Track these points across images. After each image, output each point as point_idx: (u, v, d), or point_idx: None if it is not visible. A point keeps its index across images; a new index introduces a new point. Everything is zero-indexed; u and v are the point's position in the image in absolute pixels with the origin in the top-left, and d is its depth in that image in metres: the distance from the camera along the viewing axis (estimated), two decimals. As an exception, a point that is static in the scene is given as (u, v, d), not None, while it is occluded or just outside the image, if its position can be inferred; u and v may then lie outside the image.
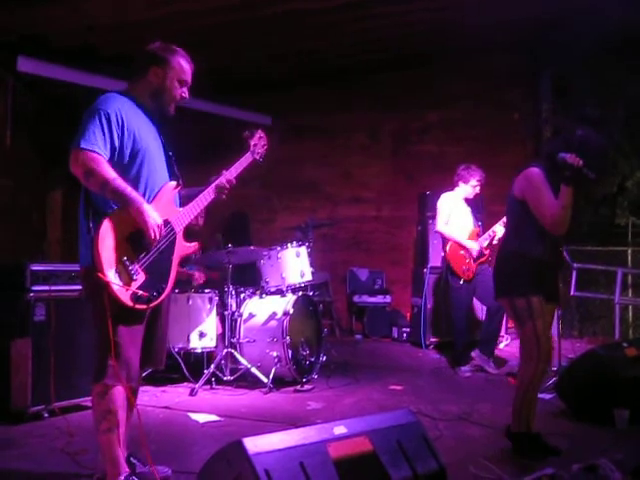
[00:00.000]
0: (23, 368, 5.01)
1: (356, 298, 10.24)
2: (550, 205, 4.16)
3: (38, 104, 9.57)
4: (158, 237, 3.36)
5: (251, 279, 7.60)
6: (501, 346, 8.93)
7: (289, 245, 7.03)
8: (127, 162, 3.44)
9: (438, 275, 8.46)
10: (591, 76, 9.49)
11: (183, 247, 3.67)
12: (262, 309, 6.72)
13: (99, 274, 3.19)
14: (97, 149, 3.27)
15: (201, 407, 5.60)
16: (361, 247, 11.07)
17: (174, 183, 3.64)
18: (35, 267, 5.22)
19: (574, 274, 8.56)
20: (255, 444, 2.55)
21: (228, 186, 3.83)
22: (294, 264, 6.98)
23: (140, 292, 3.31)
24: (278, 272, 6.93)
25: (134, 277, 3.30)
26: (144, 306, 3.36)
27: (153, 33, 7.92)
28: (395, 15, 8.33)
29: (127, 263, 3.28)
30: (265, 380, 6.29)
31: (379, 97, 10.63)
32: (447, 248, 7.43)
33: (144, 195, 3.45)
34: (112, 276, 3.22)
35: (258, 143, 4.12)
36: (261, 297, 6.95)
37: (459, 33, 8.93)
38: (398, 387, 6.49)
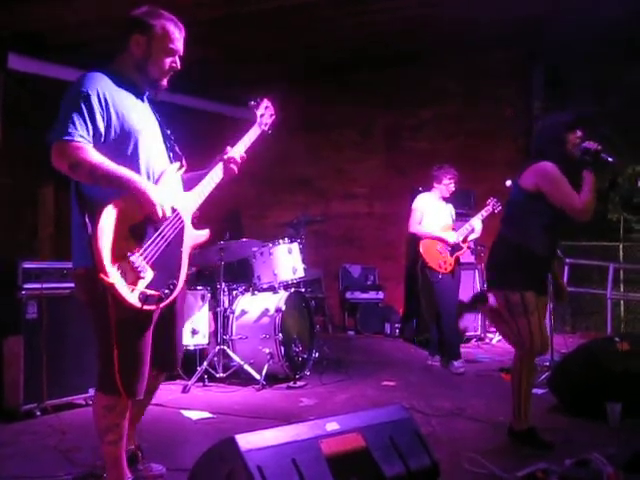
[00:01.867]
0: (15, 366, 5.00)
1: (348, 294, 10.25)
2: (574, 195, 4.20)
3: (30, 100, 9.53)
4: (166, 214, 3.00)
5: (243, 276, 7.59)
6: (494, 341, 8.96)
7: (281, 241, 7.02)
8: (119, 145, 3.06)
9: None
10: (583, 72, 9.51)
11: (193, 236, 3.28)
12: (254, 306, 6.71)
13: (101, 275, 2.79)
14: (78, 137, 2.90)
15: (194, 404, 5.60)
16: (353, 243, 11.07)
17: (177, 164, 3.30)
18: (27, 265, 5.20)
19: (566, 269, 8.58)
20: (248, 441, 2.55)
21: (239, 160, 3.49)
22: (286, 260, 6.97)
23: (149, 291, 2.94)
24: (270, 269, 6.93)
25: (141, 275, 2.91)
26: (153, 307, 3.00)
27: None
28: (388, 11, 8.33)
29: (132, 259, 2.88)
30: (258, 377, 6.28)
31: (372, 93, 10.64)
32: (420, 246, 7.41)
33: (147, 179, 3.10)
34: (116, 276, 2.83)
35: (265, 113, 3.76)
36: (253, 294, 6.94)
37: (452, 29, 8.94)
38: (391, 383, 6.49)
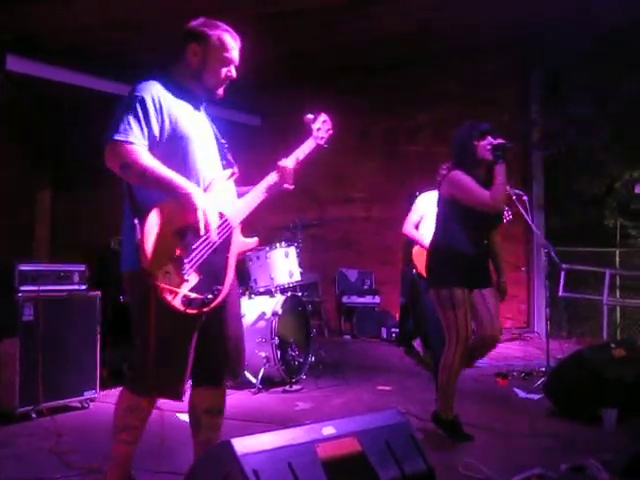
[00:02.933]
0: (11, 368, 5.00)
1: (345, 298, 10.25)
2: (482, 192, 4.62)
3: (28, 103, 9.54)
4: (212, 225, 2.99)
5: (239, 279, 7.58)
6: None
7: (278, 245, 7.02)
8: (171, 149, 3.10)
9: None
10: (582, 77, 9.53)
11: (241, 243, 3.30)
12: (251, 309, 6.70)
13: (146, 276, 2.87)
14: (132, 138, 2.94)
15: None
16: (351, 248, 11.07)
17: (229, 171, 3.31)
18: (23, 267, 5.21)
19: (562, 275, 8.59)
20: (244, 444, 2.54)
21: (291, 171, 3.50)
22: (283, 264, 6.97)
23: (193, 295, 2.96)
24: (267, 272, 6.93)
25: (186, 278, 2.94)
26: (195, 310, 3.00)
27: (144, 33, 8.02)
28: (386, 16, 8.34)
29: (178, 262, 2.92)
30: (254, 380, 6.28)
31: (369, 97, 10.64)
32: (413, 250, 7.40)
33: (197, 185, 3.10)
34: (161, 277, 2.87)
35: (321, 127, 3.76)
36: (250, 297, 6.93)
37: (450, 34, 8.96)
38: (386, 387, 6.49)
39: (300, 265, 7.16)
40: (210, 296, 3.04)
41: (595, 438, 4.65)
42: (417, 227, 7.41)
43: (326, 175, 11.05)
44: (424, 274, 7.21)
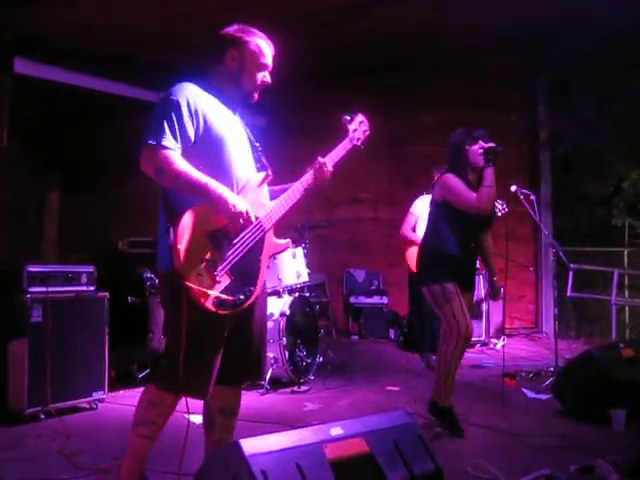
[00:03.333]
0: (20, 369, 5.01)
1: (353, 299, 10.24)
2: (469, 195, 4.80)
3: (36, 105, 9.56)
4: (246, 224, 3.06)
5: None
6: (498, 347, 8.95)
7: (285, 246, 7.01)
8: (206, 151, 3.15)
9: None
10: (587, 77, 9.52)
11: (273, 245, 3.34)
12: (259, 310, 6.69)
13: (179, 276, 2.91)
14: (166, 142, 3.00)
15: (198, 408, 5.59)
16: (358, 248, 11.07)
17: (262, 174, 3.35)
18: (32, 268, 5.22)
19: (571, 275, 8.58)
20: (252, 445, 2.55)
21: (326, 174, 3.52)
22: (290, 265, 6.98)
23: (224, 296, 2.99)
24: (274, 273, 6.92)
25: (218, 279, 2.99)
26: (227, 311, 3.03)
27: (151, 33, 8.03)
28: (391, 17, 8.34)
29: (210, 263, 2.97)
30: (262, 381, 6.28)
31: (376, 98, 10.61)
32: (407, 252, 7.54)
33: (231, 187, 3.14)
34: (193, 278, 2.92)
35: (358, 128, 3.77)
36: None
37: (455, 35, 8.95)
38: (394, 388, 6.49)
39: (308, 266, 7.17)
40: (242, 297, 3.08)
41: (604, 439, 4.64)
42: (414, 229, 7.56)
43: (334, 176, 11.04)
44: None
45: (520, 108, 10.50)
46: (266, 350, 3.53)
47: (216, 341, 3.16)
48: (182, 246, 2.91)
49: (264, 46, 3.37)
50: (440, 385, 4.91)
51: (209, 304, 2.95)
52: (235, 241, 3.07)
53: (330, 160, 3.57)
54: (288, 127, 10.91)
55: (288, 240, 3.43)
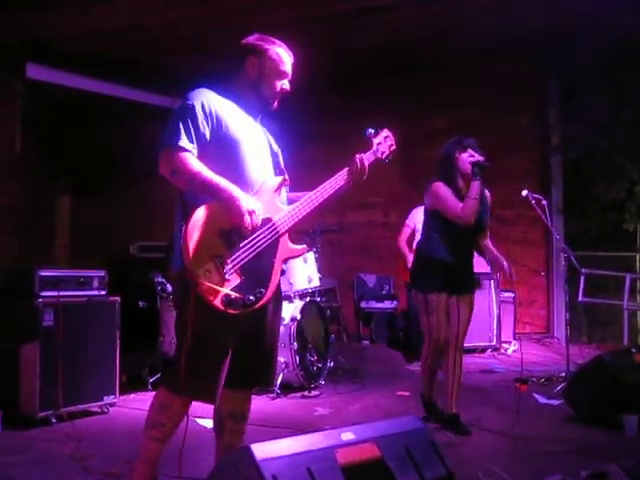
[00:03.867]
0: (31, 373, 5.02)
1: (363, 304, 10.22)
2: (455, 205, 4.93)
3: (47, 109, 9.60)
4: (254, 223, 3.05)
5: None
6: (509, 352, 8.92)
7: (296, 251, 7.02)
8: (222, 154, 3.19)
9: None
10: (599, 81, 9.49)
11: (288, 249, 3.30)
12: (269, 315, 6.69)
13: (187, 272, 2.92)
14: (182, 144, 3.06)
15: (208, 412, 5.58)
16: (369, 253, 11.05)
17: (279, 179, 3.36)
18: (43, 272, 5.24)
19: (582, 280, 8.55)
20: (263, 450, 2.55)
21: (364, 173, 3.61)
22: (301, 270, 6.98)
23: (233, 294, 2.96)
24: (285, 278, 6.92)
25: (227, 277, 2.97)
26: (236, 311, 2.98)
27: (161, 38, 8.06)
28: (402, 20, 8.34)
29: (219, 261, 2.97)
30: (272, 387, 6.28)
31: (387, 102, 10.62)
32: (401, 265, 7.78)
33: (247, 189, 3.17)
34: (202, 275, 2.91)
35: (383, 142, 3.82)
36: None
37: (467, 38, 8.94)
38: (405, 393, 6.47)
39: (319, 270, 7.17)
40: (252, 298, 3.03)
41: (616, 444, 4.62)
42: (409, 240, 7.72)
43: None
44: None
45: (531, 112, 10.48)
46: (277, 356, 3.52)
47: (224, 344, 3.14)
48: (191, 242, 2.91)
49: (283, 54, 3.41)
50: (423, 381, 5.33)
51: (217, 302, 2.93)
52: (247, 241, 3.07)
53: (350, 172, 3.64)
54: (302, 133, 10.90)
55: (304, 246, 3.41)
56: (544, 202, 6.60)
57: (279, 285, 3.39)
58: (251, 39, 3.43)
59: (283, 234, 3.26)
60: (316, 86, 10.51)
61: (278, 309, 3.51)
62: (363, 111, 10.66)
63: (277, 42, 3.43)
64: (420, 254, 5.24)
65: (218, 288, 2.93)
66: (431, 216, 5.17)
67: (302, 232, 8.10)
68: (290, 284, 6.88)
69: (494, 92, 10.30)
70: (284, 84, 3.43)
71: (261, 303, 3.10)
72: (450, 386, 5.06)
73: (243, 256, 3.05)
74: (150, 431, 3.27)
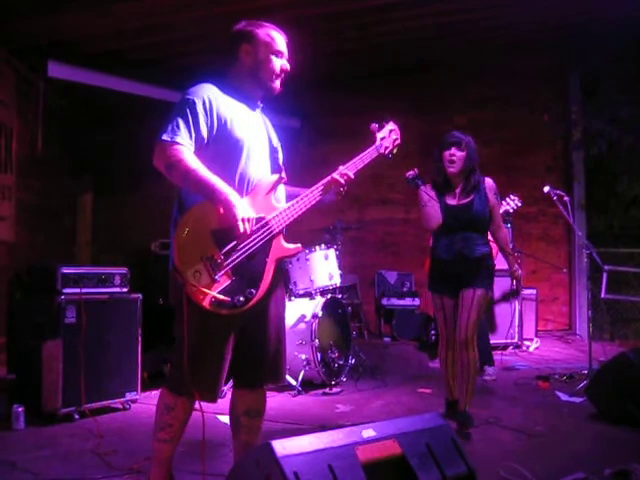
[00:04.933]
0: (54, 370, 5.06)
1: (384, 301, 10.19)
2: (421, 211, 5.24)
3: (69, 108, 9.66)
4: (248, 231, 2.98)
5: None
6: (531, 349, 8.87)
7: (317, 247, 7.02)
8: (220, 152, 3.14)
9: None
10: (620, 76, 9.42)
11: (282, 249, 3.22)
12: (291, 312, 6.69)
13: (177, 273, 2.92)
14: (179, 139, 3.00)
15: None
16: (390, 250, 11.03)
17: (276, 176, 3.27)
18: (66, 270, 5.27)
19: (605, 276, 8.48)
20: (284, 446, 2.55)
21: (343, 182, 3.40)
22: (323, 267, 6.98)
23: (221, 297, 2.94)
24: (307, 275, 6.94)
25: (216, 278, 2.94)
26: (226, 312, 2.98)
27: (182, 36, 8.07)
28: (424, 16, 8.30)
29: (209, 262, 2.94)
30: (294, 383, 6.29)
31: (407, 99, 10.59)
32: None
33: (242, 188, 3.15)
34: (190, 275, 2.89)
35: (387, 137, 3.70)
36: (290, 300, 6.93)
37: (488, 34, 8.90)
38: (427, 390, 6.46)
39: (340, 267, 7.17)
40: (242, 299, 3.02)
41: (639, 442, 4.58)
42: None
43: (365, 177, 11.02)
44: None
45: (553, 108, 10.42)
46: (285, 352, 3.46)
47: (221, 342, 3.13)
48: (181, 242, 2.93)
49: (275, 34, 3.34)
50: (446, 381, 5.29)
51: (206, 303, 2.92)
52: (238, 242, 3.03)
53: (352, 167, 3.50)
54: (321, 129, 10.91)
55: (298, 245, 3.30)
56: (566, 198, 6.55)
57: (280, 280, 3.38)
58: (239, 26, 3.38)
59: (277, 234, 3.20)
60: (339, 83, 10.53)
61: (282, 305, 3.48)
62: (382, 108, 10.63)
63: (265, 24, 3.38)
64: (430, 255, 5.39)
65: (206, 291, 2.92)
66: None
67: (323, 229, 8.11)
68: (311, 281, 6.89)
69: (515, 88, 10.26)
70: (283, 64, 3.36)
71: (252, 304, 3.07)
72: (460, 385, 5.07)
73: (235, 257, 3.02)
74: (159, 434, 3.27)
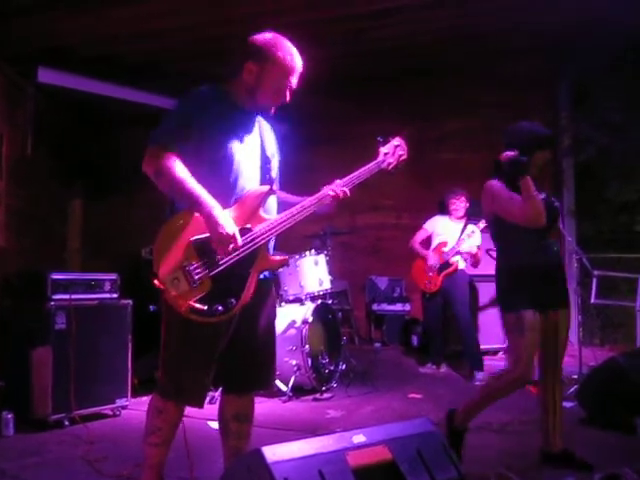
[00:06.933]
0: (44, 376, 5.05)
1: (375, 306, 10.21)
2: (515, 203, 4.22)
3: (60, 114, 9.63)
4: (228, 250, 2.93)
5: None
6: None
7: (307, 253, 7.03)
8: (210, 160, 3.08)
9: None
10: (611, 82, 9.46)
11: (267, 260, 3.15)
12: (281, 317, 6.66)
13: (157, 279, 2.90)
14: (170, 146, 2.97)
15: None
16: (380, 255, 11.03)
17: (265, 188, 3.18)
18: (56, 276, 5.27)
19: (594, 282, 8.51)
20: (274, 452, 2.54)
21: (340, 197, 3.35)
22: (313, 272, 6.98)
23: (198, 305, 2.90)
24: (297, 280, 6.93)
25: (193, 286, 2.91)
26: (202, 320, 2.93)
27: (177, 42, 8.07)
28: (414, 22, 8.32)
29: (188, 270, 2.91)
30: (284, 388, 6.29)
31: (397, 104, 10.60)
32: (413, 266, 7.93)
33: (229, 197, 3.09)
34: (169, 282, 2.89)
35: (391, 152, 3.60)
36: (280, 305, 6.93)
37: (478, 40, 8.92)
38: (417, 395, 6.47)
39: (330, 273, 7.17)
40: (220, 308, 2.97)
41: (629, 446, 4.60)
42: (422, 243, 7.90)
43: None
44: (421, 286, 7.99)
45: (542, 113, 10.44)
46: (275, 359, 3.44)
47: (206, 348, 3.11)
48: (162, 249, 2.94)
49: (288, 64, 3.17)
50: (472, 407, 4.43)
51: (182, 310, 2.91)
52: (219, 253, 2.97)
53: (350, 182, 3.42)
54: (308, 135, 10.89)
55: (285, 256, 3.27)
56: (556, 204, 6.57)
57: (271, 286, 3.39)
58: (258, 40, 3.19)
59: (262, 245, 3.13)
60: (328, 88, 10.53)
61: (272, 312, 3.44)
62: (375, 113, 10.65)
63: (286, 47, 3.19)
64: (498, 271, 4.40)
65: (183, 299, 2.90)
66: (495, 221, 4.46)
67: (313, 235, 8.11)
68: (301, 287, 6.89)
69: (504, 94, 10.28)
70: (285, 96, 3.24)
71: (230, 313, 3.02)
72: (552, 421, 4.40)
73: (215, 267, 2.98)
74: (149, 437, 3.27)
